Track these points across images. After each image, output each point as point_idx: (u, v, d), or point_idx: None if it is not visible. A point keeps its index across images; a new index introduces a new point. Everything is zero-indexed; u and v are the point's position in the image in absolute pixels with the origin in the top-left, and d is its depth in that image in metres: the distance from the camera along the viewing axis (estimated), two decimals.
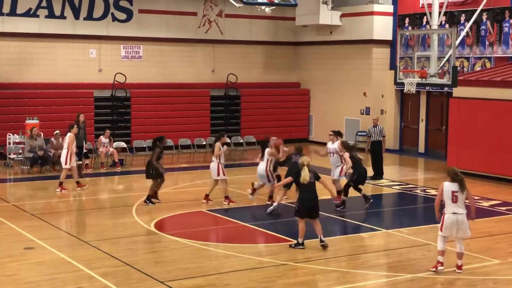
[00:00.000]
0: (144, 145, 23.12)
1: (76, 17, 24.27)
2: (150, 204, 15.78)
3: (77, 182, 17.64)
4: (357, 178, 15.37)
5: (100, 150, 21.51)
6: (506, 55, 21.65)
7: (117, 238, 13.13)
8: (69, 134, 17.54)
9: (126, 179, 19.86)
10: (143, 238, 13.02)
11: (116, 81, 24.55)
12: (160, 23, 25.70)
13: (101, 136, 21.91)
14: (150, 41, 25.59)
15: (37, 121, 21.90)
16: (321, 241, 12.09)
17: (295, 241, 12.15)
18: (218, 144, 15.83)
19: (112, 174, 20.66)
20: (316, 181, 12.16)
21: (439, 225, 10.91)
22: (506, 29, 21.61)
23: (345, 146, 15.61)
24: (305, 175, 12.01)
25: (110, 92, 24.72)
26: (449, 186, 10.69)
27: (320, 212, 14.40)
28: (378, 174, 19.66)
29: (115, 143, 22.20)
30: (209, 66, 26.96)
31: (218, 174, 15.75)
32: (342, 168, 15.68)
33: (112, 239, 13.03)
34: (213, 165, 15.82)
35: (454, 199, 10.61)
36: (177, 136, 24.03)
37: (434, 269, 10.79)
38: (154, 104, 25.20)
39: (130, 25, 25.19)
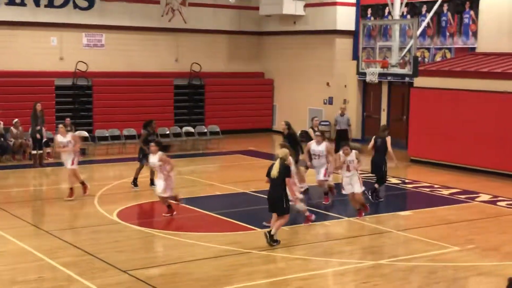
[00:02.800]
0: (107, 134, 22.94)
1: (37, 4, 23.87)
2: (135, 187, 16.31)
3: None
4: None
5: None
6: (466, 46, 21.98)
7: (79, 227, 13.04)
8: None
9: (88, 169, 19.66)
10: (105, 227, 12.93)
11: (78, 69, 24.27)
12: (122, 11, 25.45)
13: (61, 125, 21.61)
14: (113, 29, 25.31)
15: None
16: (270, 234, 11.49)
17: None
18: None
19: None
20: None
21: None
22: (466, 20, 21.92)
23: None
24: (273, 170, 11.63)
25: (71, 81, 24.42)
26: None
27: None
28: None
29: (76, 132, 21.89)
30: (173, 55, 26.81)
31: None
32: (326, 169, 14.83)
33: (74, 228, 12.94)
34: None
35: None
36: (140, 126, 23.74)
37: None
38: (117, 93, 24.98)
39: (92, 13, 24.88)
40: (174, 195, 13.88)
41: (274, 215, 11.76)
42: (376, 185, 15.50)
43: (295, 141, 15.54)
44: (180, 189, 16.18)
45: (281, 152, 11.84)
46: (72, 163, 15.28)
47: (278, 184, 11.54)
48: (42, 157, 19.78)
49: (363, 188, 13.96)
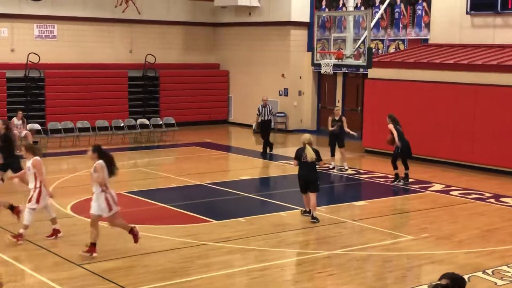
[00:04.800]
0: (60, 127, 22.62)
1: None
2: None
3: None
4: (402, 150, 16.50)
5: (13, 132, 20.89)
6: (419, 37, 22.28)
7: (33, 221, 12.79)
8: None
9: None
10: (59, 221, 12.70)
11: (30, 61, 23.83)
12: (75, 2, 25.05)
13: (14, 118, 21.26)
14: (65, 20, 24.91)
15: None
16: (312, 217, 12.72)
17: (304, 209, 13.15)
18: None
19: None
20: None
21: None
22: (419, 12, 22.22)
23: (392, 118, 16.60)
24: (310, 154, 12.47)
25: (23, 73, 23.98)
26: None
27: (238, 192, 14.57)
28: (270, 149, 21.07)
29: (28, 125, 21.59)
30: (127, 47, 26.53)
31: None
32: (38, 193, 11.33)
33: None
34: None
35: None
36: (94, 118, 23.60)
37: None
38: (70, 85, 24.62)
39: (44, 4, 24.43)
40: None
41: (306, 196, 12.88)
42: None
43: (10, 142, 14.55)
44: (137, 182, 16.06)
45: (305, 137, 12.70)
46: None
47: (314, 166, 12.63)
48: None
49: (110, 210, 10.58)
